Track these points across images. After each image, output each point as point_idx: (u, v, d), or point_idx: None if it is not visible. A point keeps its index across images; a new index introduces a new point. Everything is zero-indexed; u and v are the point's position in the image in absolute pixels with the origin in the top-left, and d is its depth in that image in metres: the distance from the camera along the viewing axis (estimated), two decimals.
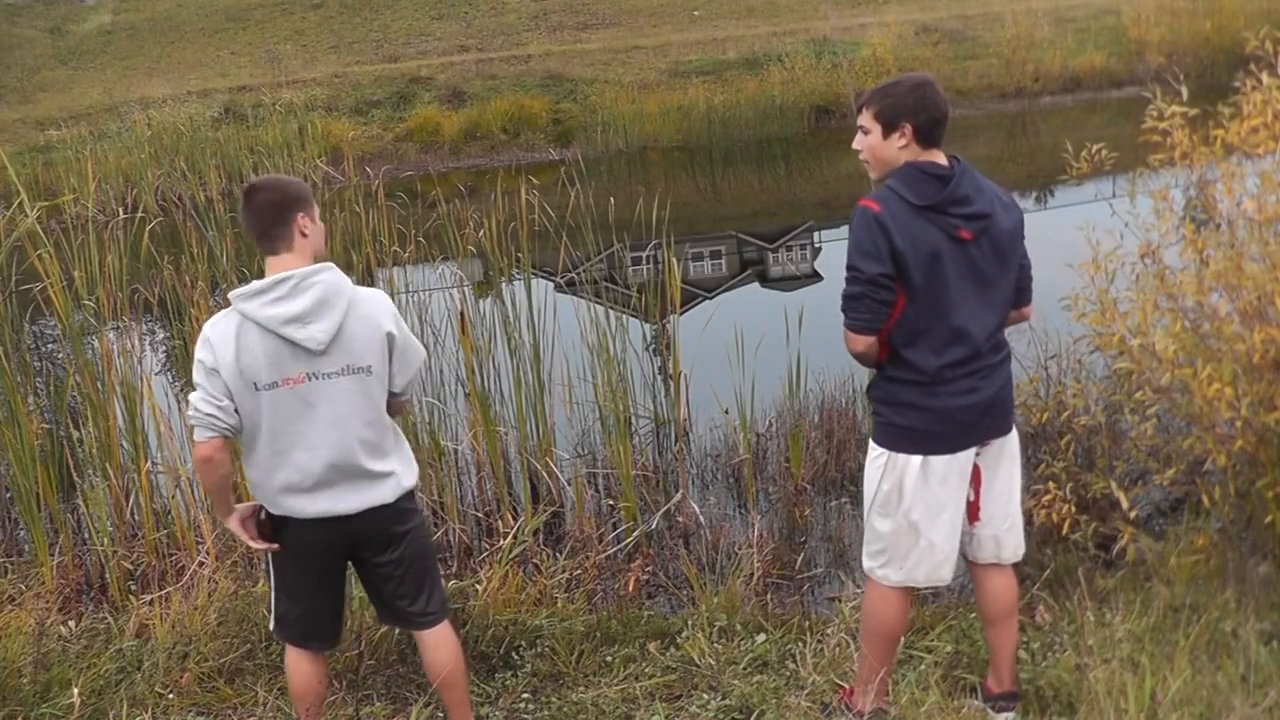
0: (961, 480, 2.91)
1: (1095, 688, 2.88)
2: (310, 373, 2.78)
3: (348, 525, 2.91)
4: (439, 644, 3.10)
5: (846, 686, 3.25)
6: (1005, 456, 3.00)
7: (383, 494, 2.91)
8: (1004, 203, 2.87)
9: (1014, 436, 3.02)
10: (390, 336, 2.88)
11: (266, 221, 2.80)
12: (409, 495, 3.02)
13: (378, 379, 2.88)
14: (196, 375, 2.79)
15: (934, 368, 2.79)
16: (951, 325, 2.78)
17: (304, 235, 2.82)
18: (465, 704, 3.21)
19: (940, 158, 2.83)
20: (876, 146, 2.87)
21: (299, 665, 3.12)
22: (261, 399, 2.77)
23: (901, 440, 2.88)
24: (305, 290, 2.75)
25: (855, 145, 2.94)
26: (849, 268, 2.77)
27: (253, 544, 2.97)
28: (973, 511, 2.99)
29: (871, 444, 2.98)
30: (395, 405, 3.02)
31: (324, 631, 3.12)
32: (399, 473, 2.96)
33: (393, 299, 5.84)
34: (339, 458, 2.84)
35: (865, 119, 2.88)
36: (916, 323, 2.78)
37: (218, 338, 2.76)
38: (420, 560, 3.07)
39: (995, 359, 2.89)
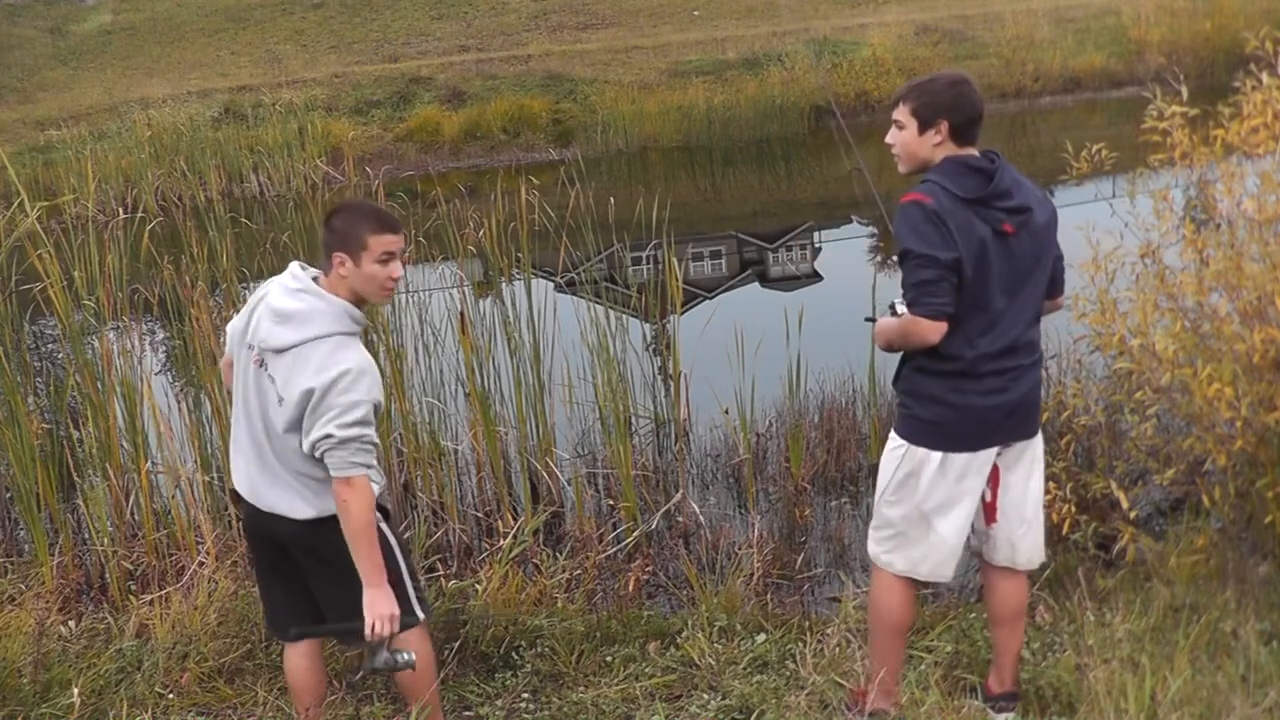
0: (979, 478, 2.90)
1: (1095, 688, 2.88)
2: (265, 361, 2.83)
3: (269, 522, 2.88)
4: None
5: (859, 687, 3.20)
6: (1026, 460, 2.97)
7: (296, 507, 2.82)
8: (1038, 197, 2.86)
9: (1039, 441, 2.99)
10: (308, 393, 2.70)
11: (322, 240, 2.88)
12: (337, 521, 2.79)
13: (288, 419, 2.75)
14: None
15: (970, 357, 2.78)
16: (990, 316, 2.78)
17: (341, 275, 2.83)
18: (432, 711, 3.14)
19: (976, 154, 2.83)
20: (911, 142, 2.87)
21: (288, 658, 3.15)
22: (242, 354, 2.91)
23: (923, 435, 2.88)
24: (291, 296, 2.82)
25: (889, 140, 2.92)
26: (918, 256, 2.71)
27: None
28: (990, 512, 2.98)
29: (893, 434, 2.98)
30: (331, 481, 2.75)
31: (278, 619, 3.12)
32: (325, 503, 2.80)
33: (392, 299, 5.85)
34: (261, 447, 2.85)
35: (901, 114, 2.87)
36: (957, 312, 2.75)
37: (257, 290, 2.99)
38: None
39: (1028, 360, 2.88)
